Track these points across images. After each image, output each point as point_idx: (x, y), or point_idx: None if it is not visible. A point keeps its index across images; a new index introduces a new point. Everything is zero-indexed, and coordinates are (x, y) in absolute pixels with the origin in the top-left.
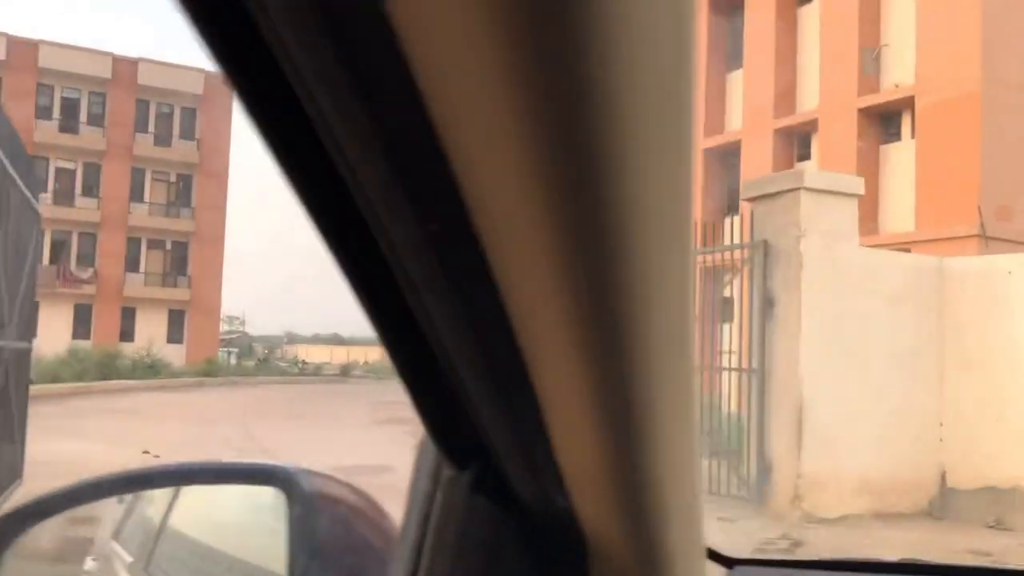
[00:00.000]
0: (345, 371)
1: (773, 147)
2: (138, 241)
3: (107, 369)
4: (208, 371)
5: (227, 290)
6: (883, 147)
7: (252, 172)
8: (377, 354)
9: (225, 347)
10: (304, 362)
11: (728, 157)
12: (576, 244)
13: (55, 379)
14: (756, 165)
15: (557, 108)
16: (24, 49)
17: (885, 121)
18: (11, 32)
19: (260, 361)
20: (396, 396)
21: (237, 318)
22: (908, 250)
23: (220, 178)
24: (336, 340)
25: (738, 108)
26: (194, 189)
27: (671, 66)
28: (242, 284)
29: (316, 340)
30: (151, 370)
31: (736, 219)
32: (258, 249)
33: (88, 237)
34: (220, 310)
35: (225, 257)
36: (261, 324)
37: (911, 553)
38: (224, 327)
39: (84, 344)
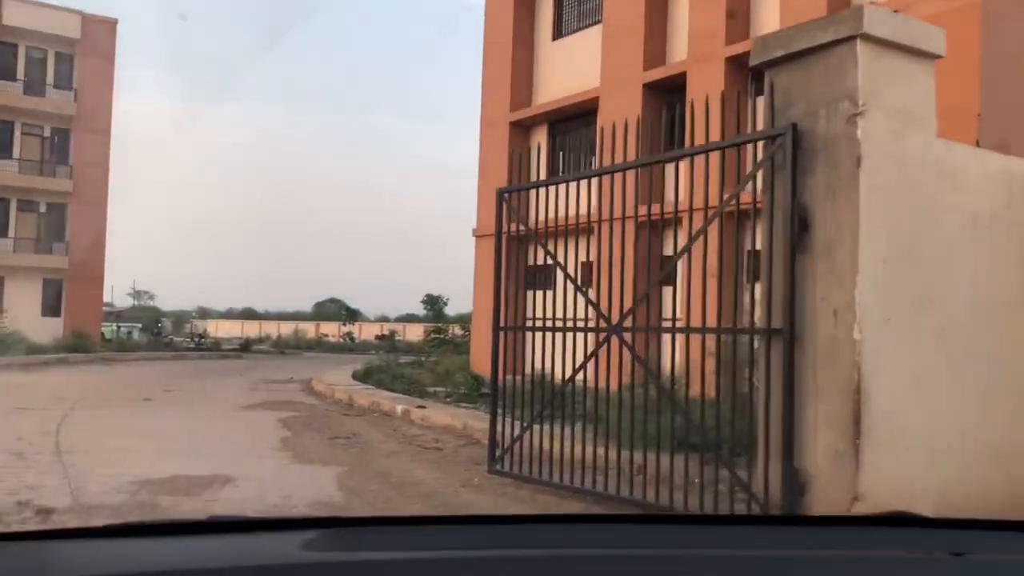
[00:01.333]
0: (245, 346)
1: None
2: (6, 203)
3: None
4: (77, 347)
5: (134, 262)
6: None
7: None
8: (288, 328)
9: (126, 322)
10: (202, 337)
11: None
12: None
13: None
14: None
15: None
16: None
17: None
18: None
19: (154, 336)
20: (286, 374)
21: (146, 292)
22: None
23: (102, 133)
24: (249, 315)
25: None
26: (72, 145)
27: None
28: (156, 257)
29: (230, 315)
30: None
31: None
32: (168, 219)
33: None
34: (104, 279)
35: (113, 222)
36: (176, 299)
37: None
38: (132, 302)
39: None
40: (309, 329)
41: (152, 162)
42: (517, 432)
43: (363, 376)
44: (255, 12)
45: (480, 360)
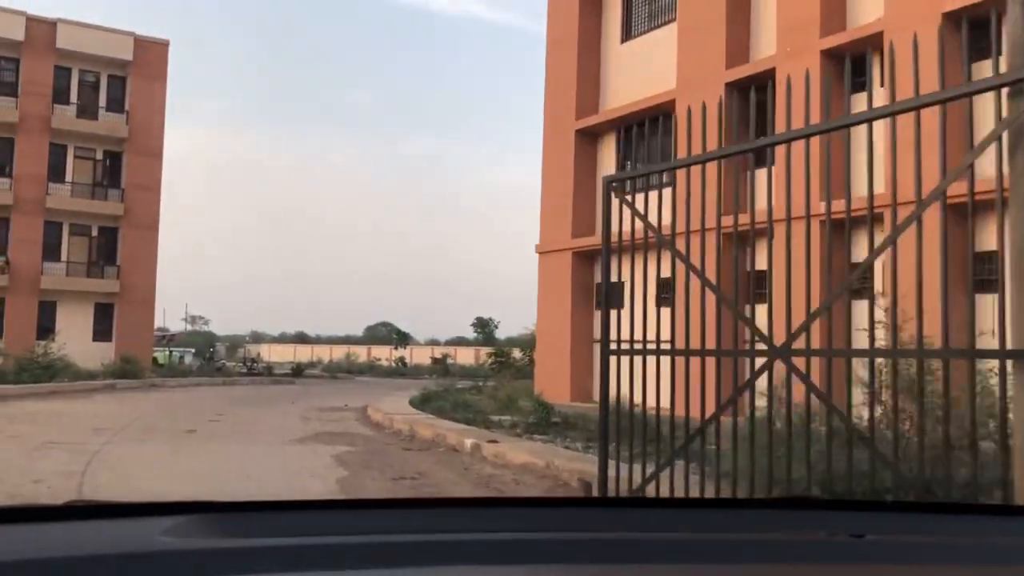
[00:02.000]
0: (297, 370)
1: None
2: (59, 226)
3: None
4: (126, 372)
5: (188, 286)
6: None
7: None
8: (340, 352)
9: (179, 347)
10: (254, 361)
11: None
12: None
13: None
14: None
15: None
16: None
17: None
18: None
19: (206, 360)
20: (340, 400)
21: (200, 317)
22: None
23: (154, 155)
24: (301, 339)
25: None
26: (124, 168)
27: None
28: (210, 282)
29: (282, 340)
30: (46, 371)
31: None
32: (222, 245)
33: (1, 222)
34: (155, 303)
35: (163, 245)
36: (231, 324)
37: None
38: (187, 327)
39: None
40: (361, 353)
41: (205, 187)
42: (629, 473)
43: (421, 403)
44: (305, 37)
45: (547, 385)
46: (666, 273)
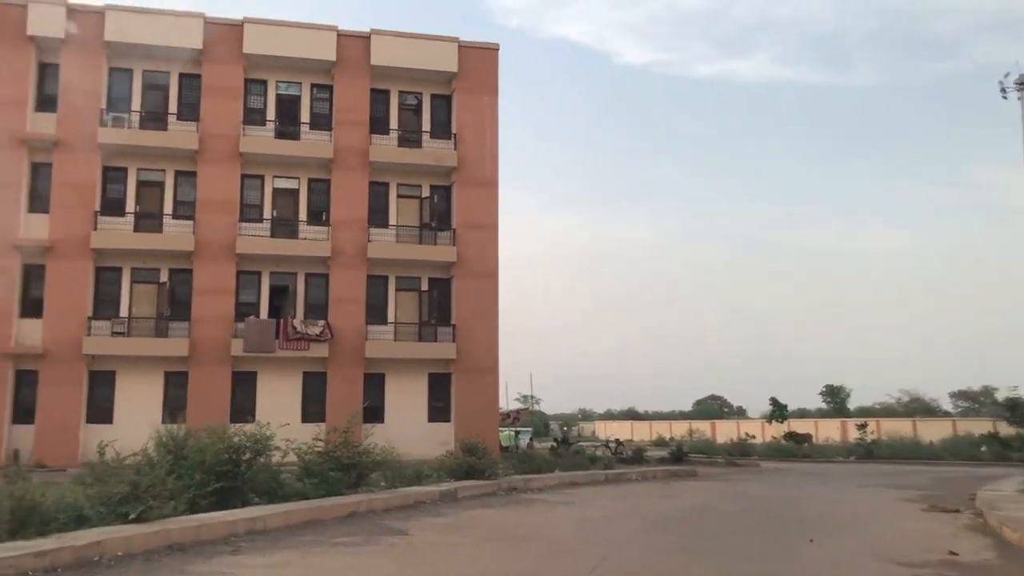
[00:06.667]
0: (678, 455)
1: None
2: (383, 280)
3: None
4: (471, 469)
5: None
6: None
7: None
8: (679, 429)
9: (511, 426)
10: (619, 444)
11: None
12: None
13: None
14: None
15: None
16: (225, 31)
17: None
18: (209, 15)
19: (559, 444)
20: (868, 503)
21: (531, 396)
22: None
23: (487, 185)
24: (632, 415)
25: None
26: (454, 204)
27: None
28: (535, 359)
29: (610, 416)
30: (348, 472)
31: None
32: (549, 322)
33: (317, 278)
34: (499, 374)
35: (503, 301)
36: (555, 400)
37: None
38: (518, 405)
39: (314, 428)
40: (703, 429)
41: (522, 267)
42: None
43: None
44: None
45: None
46: None
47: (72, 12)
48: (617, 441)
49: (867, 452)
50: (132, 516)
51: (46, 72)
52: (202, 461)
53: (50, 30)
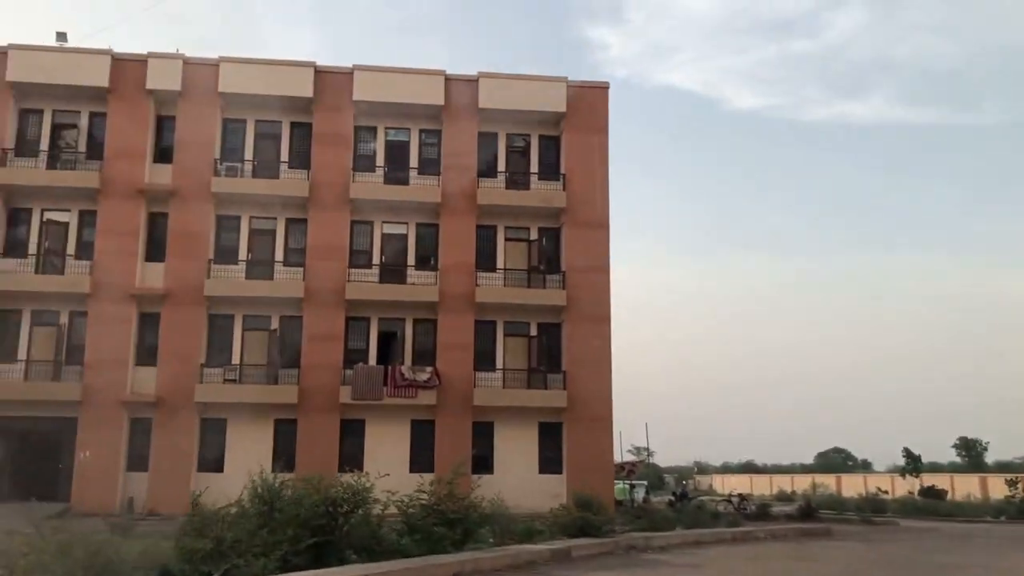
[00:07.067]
0: (807, 511)
1: None
2: (491, 325)
3: None
4: (586, 525)
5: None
6: None
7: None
8: (801, 483)
9: (625, 478)
10: (743, 499)
11: None
12: None
13: None
14: None
15: None
16: (335, 79)
17: None
18: (319, 63)
19: (676, 498)
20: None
21: (646, 448)
22: None
23: (598, 227)
24: (749, 468)
25: None
26: (564, 246)
27: None
28: (647, 410)
29: (727, 469)
30: (453, 528)
31: None
32: (659, 373)
33: (425, 324)
34: (612, 420)
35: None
36: (667, 452)
37: None
38: (631, 457)
39: (422, 478)
40: (827, 483)
41: (631, 318)
42: None
43: None
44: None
45: None
46: None
47: (189, 65)
48: (740, 496)
49: (1019, 511)
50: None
51: (163, 124)
52: (296, 515)
53: (168, 83)
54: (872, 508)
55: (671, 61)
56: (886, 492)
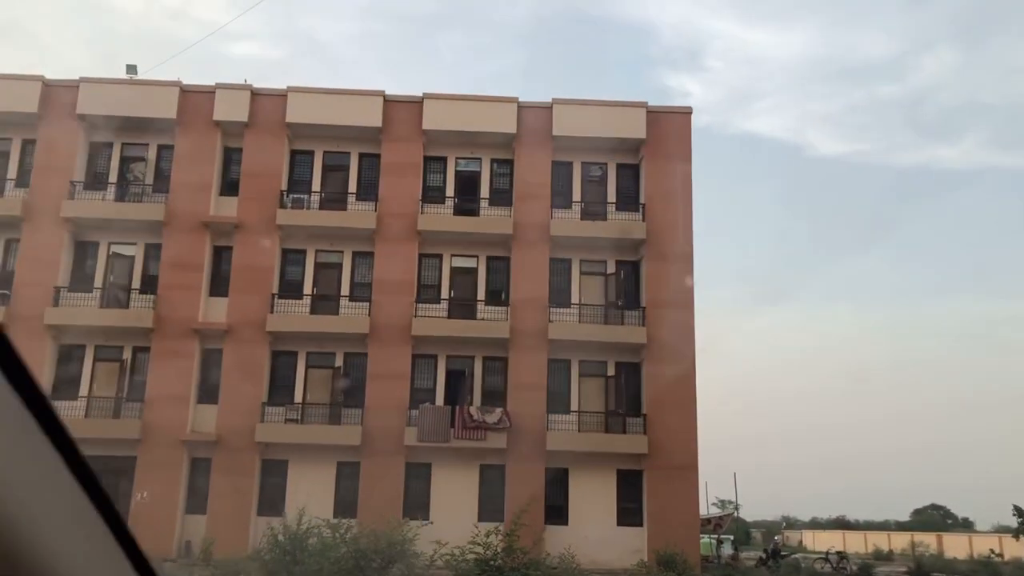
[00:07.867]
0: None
1: None
2: (564, 365)
3: None
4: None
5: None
6: None
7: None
8: (899, 542)
9: (711, 533)
10: (842, 557)
11: None
12: None
13: None
14: None
15: None
16: (405, 108)
17: None
18: (389, 92)
19: (769, 556)
20: None
21: (728, 501)
22: None
23: (681, 260)
24: (841, 524)
25: None
26: (643, 280)
27: None
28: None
29: (816, 524)
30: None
31: None
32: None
33: (495, 362)
34: (697, 469)
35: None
36: (752, 505)
37: None
38: (716, 511)
39: (491, 527)
40: (927, 541)
41: (712, 371)
42: None
43: None
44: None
45: None
46: None
47: (256, 96)
48: (840, 554)
49: None
50: None
51: (230, 156)
52: (319, 569)
53: (235, 114)
54: (988, 572)
55: (752, 108)
56: (1000, 555)
